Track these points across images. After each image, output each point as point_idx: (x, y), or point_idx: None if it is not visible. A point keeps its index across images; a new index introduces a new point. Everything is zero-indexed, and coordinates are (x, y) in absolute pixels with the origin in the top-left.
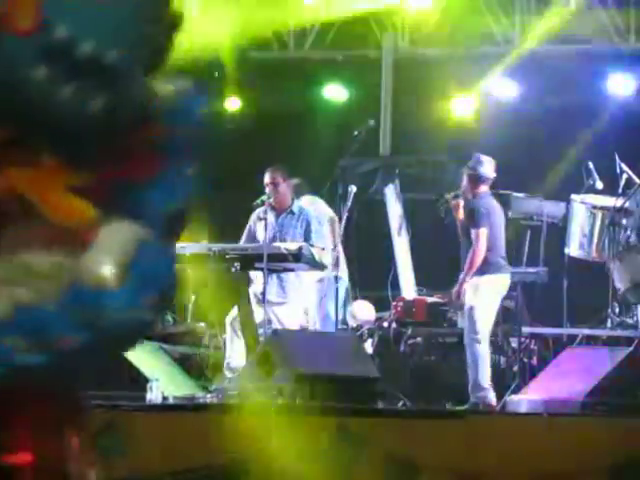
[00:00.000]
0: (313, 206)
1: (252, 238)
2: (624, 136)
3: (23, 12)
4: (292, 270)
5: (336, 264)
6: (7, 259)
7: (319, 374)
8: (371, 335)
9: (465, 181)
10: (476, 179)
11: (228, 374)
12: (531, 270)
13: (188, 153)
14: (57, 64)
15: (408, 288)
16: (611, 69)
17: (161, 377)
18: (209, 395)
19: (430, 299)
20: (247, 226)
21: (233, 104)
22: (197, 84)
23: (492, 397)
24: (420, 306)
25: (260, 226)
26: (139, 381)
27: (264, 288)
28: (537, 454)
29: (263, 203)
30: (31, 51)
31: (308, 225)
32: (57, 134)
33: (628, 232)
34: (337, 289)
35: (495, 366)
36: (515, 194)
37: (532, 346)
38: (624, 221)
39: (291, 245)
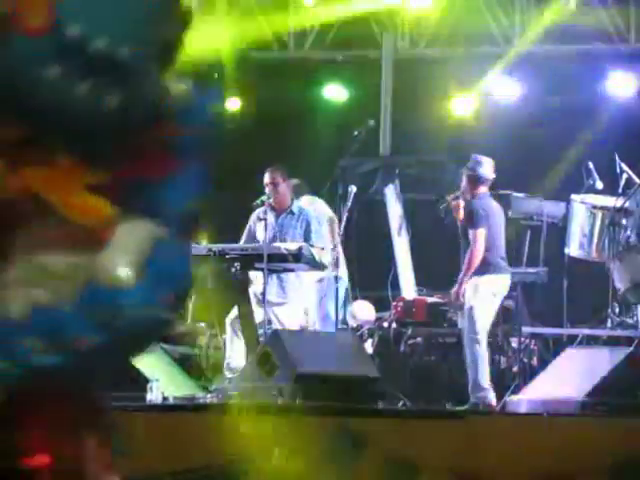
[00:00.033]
0: (312, 206)
1: (252, 238)
2: (624, 136)
3: (35, 11)
4: (292, 270)
5: (336, 264)
6: (24, 260)
7: (319, 374)
8: (371, 335)
9: (464, 182)
10: (475, 180)
11: (228, 374)
12: (531, 270)
13: (201, 152)
14: (70, 62)
15: (408, 288)
16: (611, 69)
17: (161, 377)
18: (209, 395)
19: (430, 299)
20: (247, 226)
21: (233, 104)
22: (208, 84)
23: (492, 397)
24: (420, 306)
25: (260, 226)
26: (139, 381)
27: (264, 288)
28: (537, 454)
29: (263, 203)
30: (44, 50)
31: (308, 225)
32: (72, 132)
33: (628, 232)
34: (337, 289)
35: (495, 366)
36: (515, 194)
37: (532, 346)
38: (624, 221)
39: (291, 245)
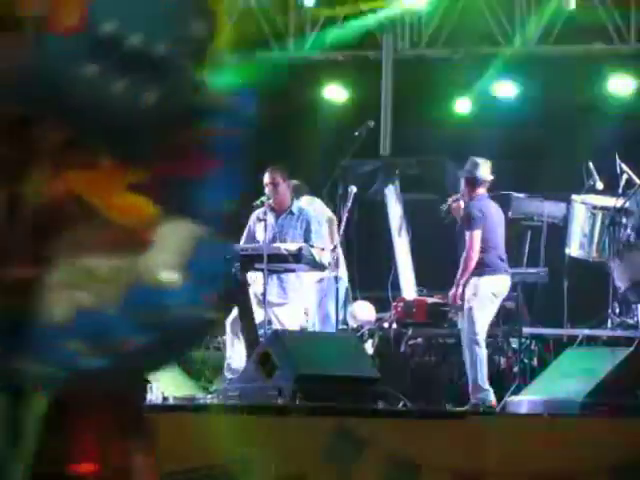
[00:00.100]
0: (311, 206)
1: (252, 239)
2: (624, 136)
3: (68, 10)
4: (293, 271)
5: (336, 264)
6: (67, 263)
7: (319, 374)
8: (371, 335)
9: (462, 184)
10: (473, 182)
11: (228, 375)
12: (531, 270)
13: (237, 152)
14: (106, 60)
15: (408, 289)
16: (611, 69)
17: (161, 377)
18: (209, 396)
19: (430, 300)
20: (247, 227)
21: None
22: (242, 83)
23: (492, 398)
24: (420, 307)
25: (260, 227)
26: None
27: (264, 289)
28: (537, 455)
29: (263, 204)
30: (79, 49)
31: (308, 225)
32: (111, 131)
33: (628, 231)
34: (337, 289)
35: (495, 367)
36: (515, 194)
37: (532, 347)
38: (624, 220)
39: (291, 246)
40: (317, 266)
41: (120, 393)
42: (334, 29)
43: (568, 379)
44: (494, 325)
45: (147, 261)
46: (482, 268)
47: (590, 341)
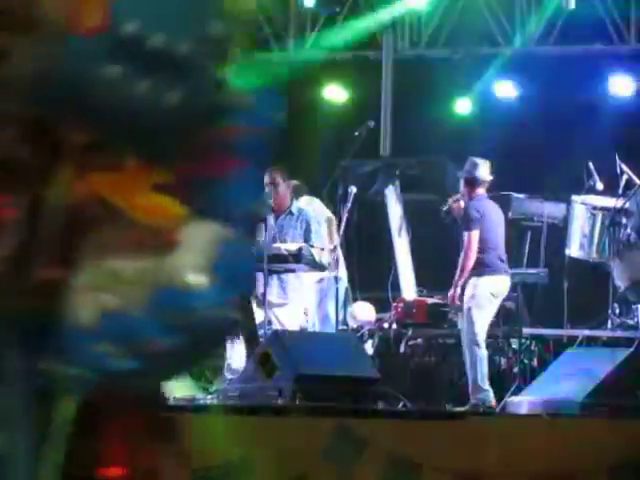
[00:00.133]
0: (311, 207)
1: None
2: (624, 137)
3: (89, 10)
4: (293, 271)
5: (336, 265)
6: (93, 265)
7: (319, 375)
8: (371, 336)
9: (462, 184)
10: (472, 182)
11: (228, 375)
12: (531, 271)
13: (261, 152)
14: (128, 60)
15: (408, 289)
16: (611, 70)
17: None
18: (209, 396)
19: (430, 300)
20: None
21: None
22: (267, 83)
23: (492, 398)
24: (420, 307)
25: (259, 227)
26: None
27: (264, 289)
28: (537, 455)
29: None
30: (100, 49)
31: (308, 226)
32: (135, 132)
33: (628, 230)
34: (337, 290)
35: (495, 367)
36: (515, 195)
37: (532, 347)
38: (624, 221)
39: (291, 246)
40: (317, 266)
41: (148, 395)
42: (334, 32)
43: (568, 380)
44: (494, 325)
45: (173, 262)
46: (481, 268)
47: (590, 342)
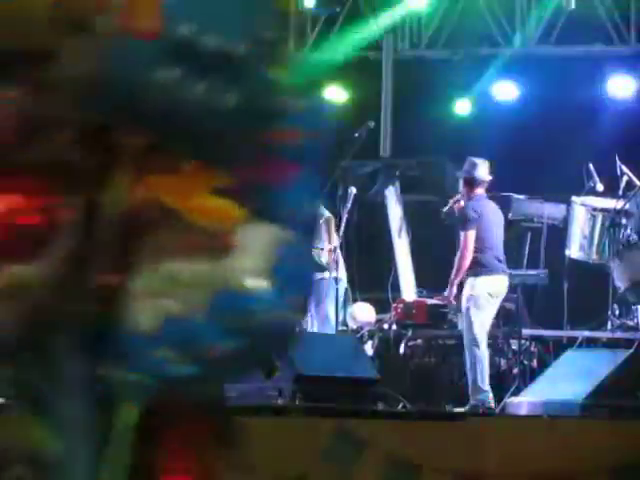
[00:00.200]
0: None
1: None
2: (624, 137)
3: (144, 14)
4: None
5: (335, 266)
6: (151, 269)
7: (319, 375)
8: (371, 337)
9: (461, 185)
10: (471, 182)
11: None
12: (531, 272)
13: (318, 155)
14: (184, 63)
15: (408, 290)
16: (611, 70)
17: None
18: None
19: (430, 301)
20: None
21: None
22: (318, 88)
23: (492, 399)
24: (420, 308)
25: None
26: None
27: None
28: (537, 456)
29: None
30: (155, 53)
31: None
32: (193, 135)
33: (628, 231)
34: (337, 290)
35: (495, 368)
36: (515, 196)
37: (532, 348)
38: (624, 223)
39: None
40: (316, 267)
41: (209, 400)
42: (335, 41)
43: (568, 381)
44: (494, 326)
45: (232, 265)
46: (478, 268)
47: (590, 343)
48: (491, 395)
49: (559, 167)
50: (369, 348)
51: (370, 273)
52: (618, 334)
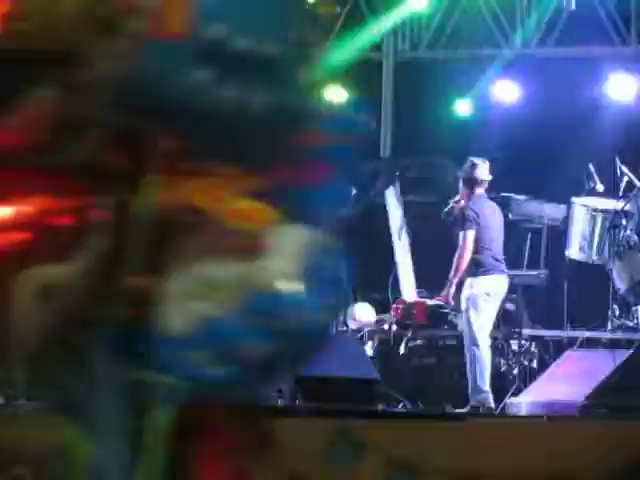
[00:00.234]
0: None
1: None
2: (625, 138)
3: (175, 16)
4: None
5: None
6: (184, 272)
7: (319, 376)
8: (371, 337)
9: (460, 185)
10: (471, 182)
11: None
12: (531, 273)
13: (350, 158)
14: (216, 64)
15: (408, 290)
16: (612, 71)
17: None
18: None
19: (430, 301)
20: None
21: None
22: (350, 93)
23: (492, 400)
24: (420, 308)
25: None
26: None
27: None
28: (537, 457)
29: None
30: (185, 54)
31: None
32: (225, 137)
33: (628, 232)
34: None
35: (495, 369)
36: (516, 196)
37: (532, 349)
38: (624, 223)
39: None
40: None
41: (244, 403)
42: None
43: (568, 381)
44: (494, 327)
45: (265, 267)
46: (476, 269)
47: (590, 343)
48: (491, 395)
49: (559, 168)
50: (369, 348)
51: (370, 274)
52: (618, 334)
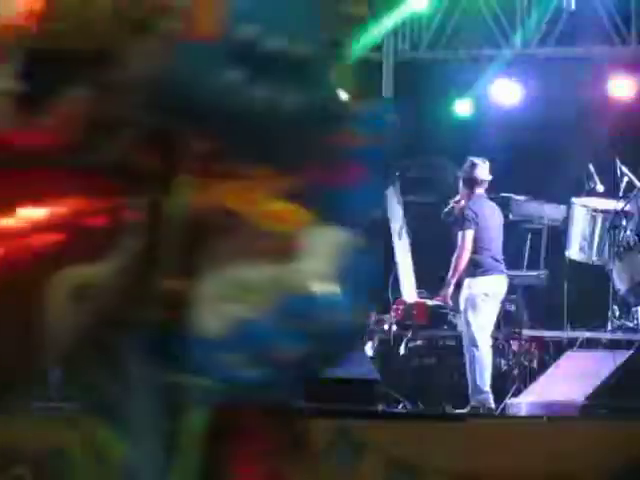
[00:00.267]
0: None
1: None
2: (625, 139)
3: (207, 16)
4: None
5: None
6: (218, 275)
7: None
8: (371, 337)
9: (460, 185)
10: (471, 183)
11: None
12: (532, 273)
13: (382, 160)
14: (247, 64)
15: (409, 291)
16: (612, 71)
17: None
18: None
19: (430, 302)
20: None
21: None
22: (379, 93)
23: (492, 400)
24: (420, 309)
25: None
26: None
27: None
28: (537, 457)
29: None
30: (217, 55)
31: None
32: (257, 138)
33: (628, 232)
34: None
35: (495, 369)
36: (516, 197)
37: (532, 349)
38: (624, 224)
39: None
40: None
41: (278, 404)
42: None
43: (568, 381)
44: (494, 327)
45: (299, 269)
46: (474, 269)
47: (590, 344)
48: (491, 396)
49: (559, 168)
50: (369, 348)
51: None
52: (618, 335)
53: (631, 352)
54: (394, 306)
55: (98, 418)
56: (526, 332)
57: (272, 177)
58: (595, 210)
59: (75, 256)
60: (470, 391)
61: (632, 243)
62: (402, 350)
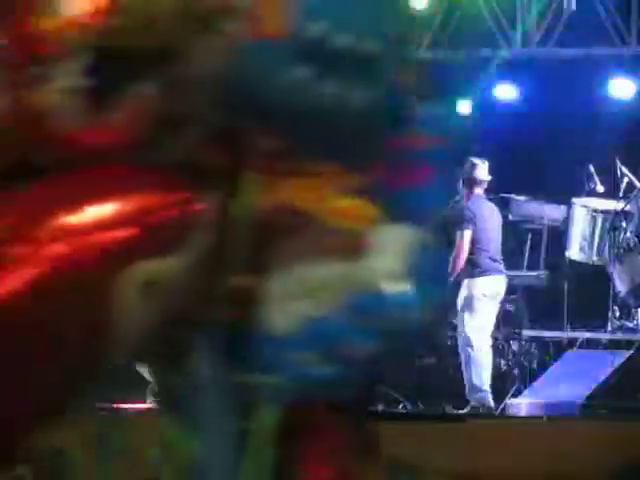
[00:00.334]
0: None
1: None
2: (625, 139)
3: (273, 14)
4: None
5: None
6: (286, 273)
7: None
8: None
9: (460, 185)
10: (470, 183)
11: None
12: (532, 273)
13: (449, 160)
14: (315, 62)
15: None
16: (612, 72)
17: None
18: None
19: None
20: None
21: None
22: (445, 93)
23: (489, 399)
24: None
25: None
26: (139, 384)
27: None
28: (537, 457)
29: None
30: (287, 52)
31: None
32: (325, 135)
33: (628, 234)
34: None
35: (496, 369)
36: (516, 197)
37: (532, 349)
38: (624, 224)
39: None
40: None
41: (349, 403)
42: None
43: (568, 382)
44: (494, 327)
45: (368, 267)
46: (472, 269)
47: (590, 344)
48: (489, 395)
49: (559, 168)
50: None
51: None
52: (618, 335)
53: (631, 352)
54: None
55: (168, 416)
56: (526, 332)
57: (339, 174)
58: (595, 210)
59: (143, 253)
60: (467, 390)
61: (632, 244)
62: None
